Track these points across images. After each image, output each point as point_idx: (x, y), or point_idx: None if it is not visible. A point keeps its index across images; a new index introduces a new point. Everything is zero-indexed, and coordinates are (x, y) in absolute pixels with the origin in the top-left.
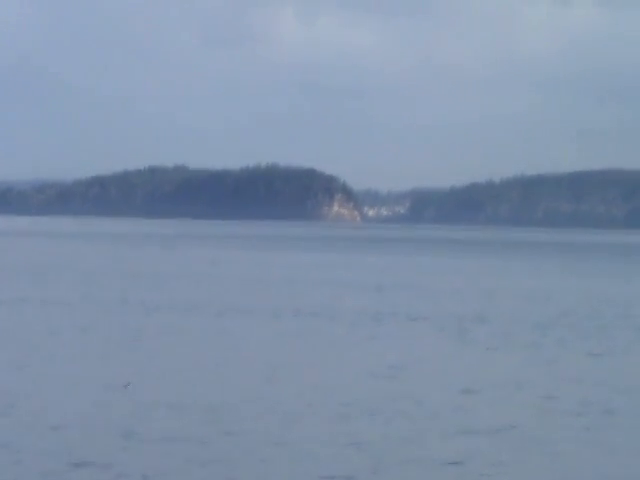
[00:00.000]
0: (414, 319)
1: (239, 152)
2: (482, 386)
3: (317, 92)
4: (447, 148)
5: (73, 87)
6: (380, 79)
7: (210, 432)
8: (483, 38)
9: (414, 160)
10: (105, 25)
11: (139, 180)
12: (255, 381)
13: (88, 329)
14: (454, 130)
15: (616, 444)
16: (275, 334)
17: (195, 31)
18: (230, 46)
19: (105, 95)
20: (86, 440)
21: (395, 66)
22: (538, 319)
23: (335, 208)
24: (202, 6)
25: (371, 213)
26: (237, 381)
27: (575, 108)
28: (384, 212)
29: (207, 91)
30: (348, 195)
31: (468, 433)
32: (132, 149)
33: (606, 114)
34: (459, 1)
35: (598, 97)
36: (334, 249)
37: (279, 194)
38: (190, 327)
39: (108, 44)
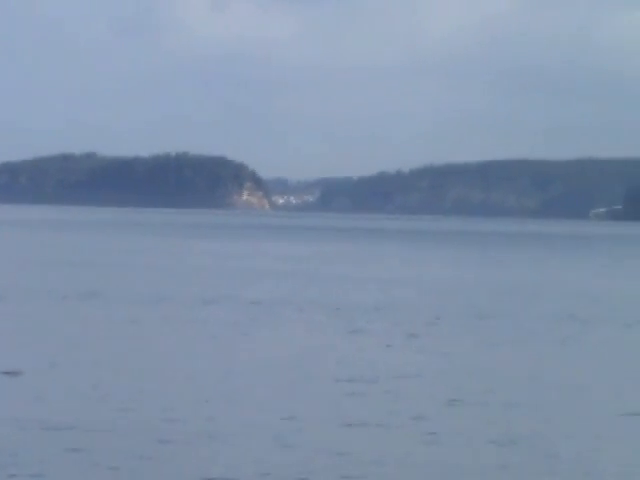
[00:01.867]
0: (314, 308)
1: (150, 140)
2: (376, 377)
3: (227, 81)
4: (356, 138)
5: None
6: (290, 69)
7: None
8: (395, 28)
9: (323, 150)
10: (11, 15)
11: (50, 167)
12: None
13: None
14: (363, 120)
15: (518, 435)
16: (180, 322)
17: (105, 20)
18: (140, 35)
19: (13, 83)
20: None
21: (306, 56)
22: (437, 310)
23: (244, 196)
24: None
25: (280, 202)
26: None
27: (484, 98)
28: (293, 201)
29: (119, 80)
30: (257, 183)
31: (354, 425)
32: (43, 137)
33: (515, 104)
34: None
35: (507, 87)
36: (241, 237)
37: (189, 182)
38: (94, 316)
39: (15, 33)
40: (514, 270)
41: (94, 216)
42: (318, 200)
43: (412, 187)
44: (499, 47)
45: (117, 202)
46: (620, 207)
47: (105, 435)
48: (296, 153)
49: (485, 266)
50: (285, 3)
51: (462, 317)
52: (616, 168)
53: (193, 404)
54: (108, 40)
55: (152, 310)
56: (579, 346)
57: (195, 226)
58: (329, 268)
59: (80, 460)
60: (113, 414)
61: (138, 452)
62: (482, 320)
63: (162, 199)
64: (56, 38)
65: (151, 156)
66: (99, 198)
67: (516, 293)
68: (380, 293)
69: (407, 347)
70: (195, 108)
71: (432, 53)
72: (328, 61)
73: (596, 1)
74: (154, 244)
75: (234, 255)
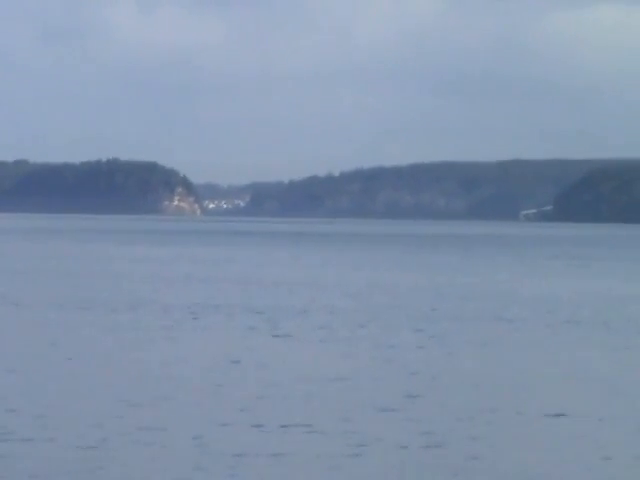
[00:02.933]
0: (237, 311)
1: (81, 147)
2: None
3: (157, 86)
4: (287, 142)
5: None
6: (220, 74)
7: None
8: (324, 33)
9: (254, 154)
10: None
11: None
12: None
13: None
14: (293, 124)
15: (441, 437)
16: (104, 328)
17: (32, 27)
18: (67, 41)
19: None
20: None
21: (236, 61)
22: (366, 313)
23: (175, 202)
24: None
25: (211, 206)
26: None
27: (413, 102)
28: (224, 205)
29: (49, 86)
30: (188, 189)
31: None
32: None
33: (443, 107)
34: None
35: (435, 90)
36: (169, 242)
37: (120, 188)
38: (17, 321)
39: None
40: (443, 272)
41: (24, 223)
42: (249, 204)
43: (343, 191)
44: (428, 52)
45: (48, 208)
46: (550, 208)
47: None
48: (227, 158)
49: (414, 268)
50: (212, 7)
51: (389, 320)
52: (546, 169)
53: (114, 409)
54: (36, 47)
55: (69, 315)
56: (502, 347)
57: (125, 232)
58: (255, 272)
59: None
60: (32, 421)
61: (57, 457)
62: (409, 322)
63: (93, 205)
64: None
65: (82, 162)
66: (30, 205)
67: (444, 295)
68: (307, 297)
69: (331, 350)
70: (125, 114)
71: (361, 58)
72: (258, 66)
73: (524, 6)
74: (79, 250)
75: (160, 260)
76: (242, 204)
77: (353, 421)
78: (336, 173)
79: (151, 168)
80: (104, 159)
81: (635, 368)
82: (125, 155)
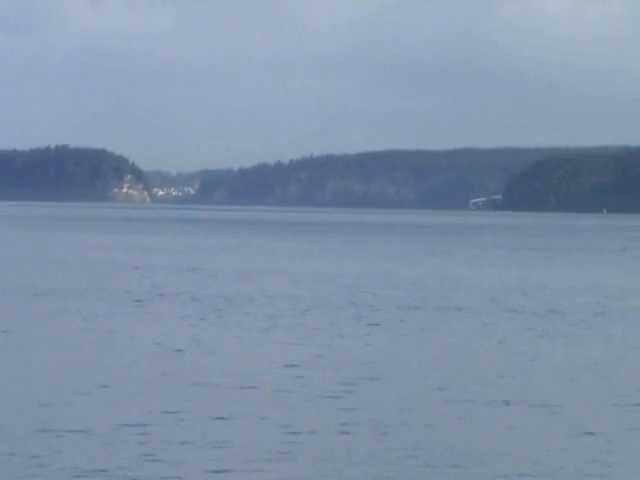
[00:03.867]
0: (178, 299)
1: (29, 134)
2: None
3: (107, 74)
4: (237, 130)
5: None
6: (169, 62)
7: None
8: (275, 21)
9: (204, 142)
10: None
11: None
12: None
13: None
14: (243, 112)
15: (368, 416)
16: (47, 315)
17: None
18: (23, 31)
19: None
20: None
21: (185, 49)
22: (308, 301)
23: (125, 189)
24: None
25: (161, 194)
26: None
27: (363, 90)
28: (174, 193)
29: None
30: (138, 176)
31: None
32: None
33: (393, 96)
34: None
35: (385, 79)
36: (116, 230)
37: (69, 175)
38: None
39: None
40: (390, 260)
41: None
42: (198, 192)
43: (292, 179)
44: (380, 40)
45: None
46: (499, 197)
47: None
48: (176, 145)
49: (361, 257)
50: None
51: (335, 308)
52: (495, 158)
53: (55, 397)
54: None
55: (12, 302)
56: (448, 335)
57: (72, 219)
58: (202, 260)
59: None
60: None
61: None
62: (355, 311)
63: (42, 192)
64: None
65: (31, 149)
66: None
67: (390, 283)
68: (253, 285)
69: (275, 339)
70: (75, 101)
71: (313, 46)
72: (208, 53)
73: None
74: (25, 237)
75: (106, 248)
76: (191, 192)
77: (296, 409)
78: (285, 161)
79: (100, 155)
80: (53, 146)
81: (579, 355)
82: (74, 142)
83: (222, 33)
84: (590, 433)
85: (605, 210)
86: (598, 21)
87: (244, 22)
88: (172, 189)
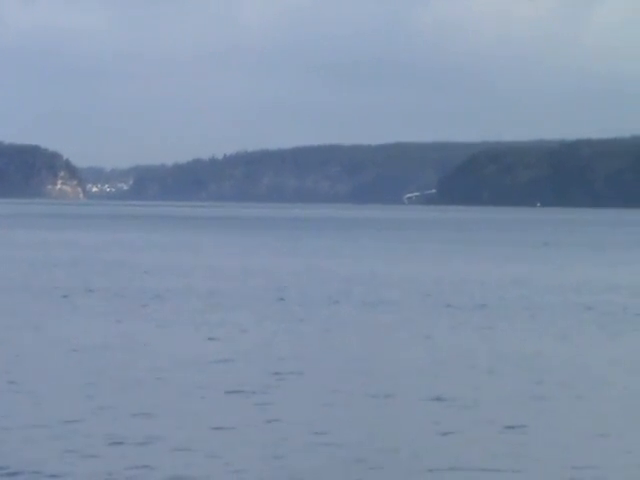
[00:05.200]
0: (112, 296)
1: None
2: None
3: (40, 71)
4: (170, 125)
5: None
6: (102, 58)
7: None
8: (208, 15)
9: (138, 137)
10: None
11: None
12: None
13: None
14: (177, 107)
15: (293, 413)
16: None
17: None
18: None
19: None
20: None
21: (118, 45)
22: (235, 297)
23: (58, 185)
24: None
25: (94, 190)
26: None
27: (297, 85)
28: (107, 189)
29: None
30: (72, 172)
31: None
32: None
33: (326, 90)
34: None
35: (319, 74)
36: (49, 227)
37: (2, 172)
38: None
39: None
40: (322, 256)
41: None
42: (132, 188)
43: (226, 174)
44: (313, 35)
45: None
46: (434, 191)
47: None
48: (110, 141)
49: (293, 252)
50: None
51: (262, 303)
52: (429, 153)
53: None
54: None
55: None
56: (377, 330)
57: (4, 216)
58: (132, 256)
59: None
60: None
61: None
62: (283, 306)
63: None
64: None
65: None
66: None
67: (321, 278)
68: (182, 281)
69: (201, 335)
70: (8, 98)
71: (247, 39)
72: (140, 49)
73: None
74: None
75: (37, 244)
76: (125, 187)
77: (221, 405)
78: (220, 156)
79: (34, 151)
80: None
81: (511, 352)
82: (8, 139)
83: (155, 28)
84: (510, 427)
85: (539, 204)
86: (528, 16)
87: (177, 17)
88: (106, 185)
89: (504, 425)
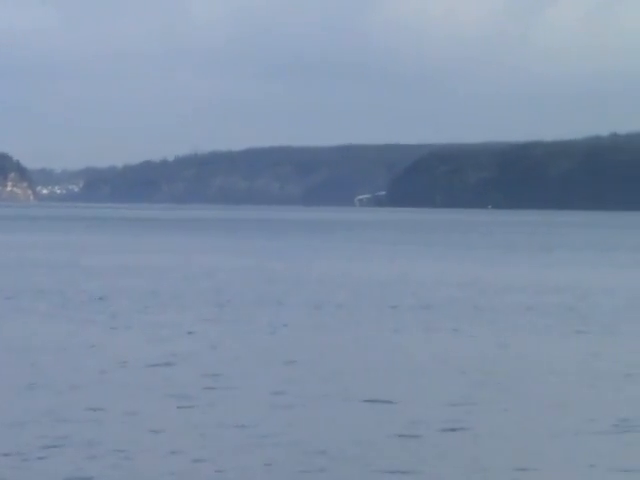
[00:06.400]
0: (45, 297)
1: None
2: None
3: None
4: (121, 126)
5: None
6: (52, 58)
7: None
8: (159, 16)
9: (88, 139)
10: None
11: None
12: None
13: None
14: (128, 108)
15: (234, 415)
16: None
17: None
18: None
19: None
20: None
21: (68, 45)
22: (184, 297)
23: (8, 187)
24: None
25: (45, 192)
26: None
27: (248, 86)
28: (58, 191)
29: None
30: (22, 174)
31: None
32: None
33: (278, 92)
34: None
35: (270, 75)
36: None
37: None
38: None
39: None
40: (270, 257)
41: None
42: (83, 190)
43: (177, 176)
44: (265, 36)
45: None
46: (384, 193)
47: None
48: (61, 143)
49: (241, 253)
50: None
51: (204, 304)
52: (380, 154)
53: None
54: None
55: None
56: (322, 331)
57: None
58: (78, 258)
59: None
60: None
61: None
62: (230, 308)
63: None
64: None
65: None
66: None
67: (269, 279)
68: (129, 282)
69: (146, 336)
70: None
71: (196, 40)
72: (91, 48)
73: None
74: None
75: None
76: (76, 189)
77: (160, 406)
78: (171, 158)
79: None
80: None
81: (453, 353)
82: None
83: (106, 27)
84: (451, 429)
85: (490, 206)
86: (478, 17)
87: (128, 16)
88: (56, 187)
89: (444, 427)
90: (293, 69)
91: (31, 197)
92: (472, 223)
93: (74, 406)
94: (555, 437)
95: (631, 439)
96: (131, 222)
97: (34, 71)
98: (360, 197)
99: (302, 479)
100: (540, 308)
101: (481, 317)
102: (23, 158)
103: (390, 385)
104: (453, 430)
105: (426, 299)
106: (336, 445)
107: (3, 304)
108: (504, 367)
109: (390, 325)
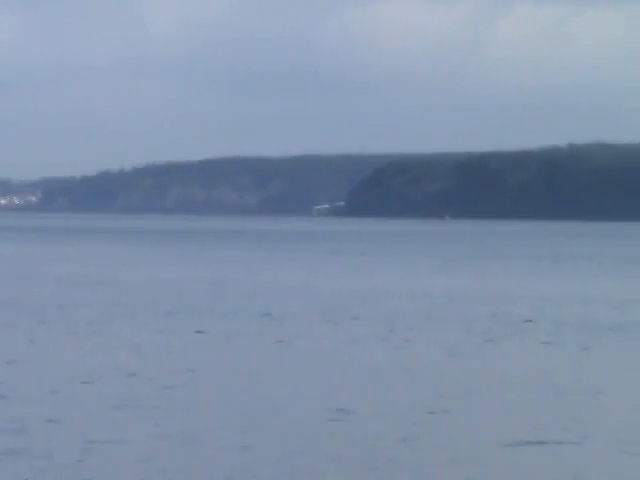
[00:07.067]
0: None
1: None
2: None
3: None
4: (78, 137)
5: None
6: (10, 70)
7: None
8: (115, 27)
9: (46, 149)
10: None
11: None
12: None
13: None
14: (85, 119)
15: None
16: None
17: None
18: None
19: None
20: None
21: (24, 57)
22: (138, 307)
23: None
24: None
25: (2, 202)
26: None
27: (205, 97)
28: (16, 201)
29: None
30: None
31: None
32: None
33: (235, 103)
34: None
35: (227, 86)
36: None
37: None
38: None
39: None
40: (226, 267)
41: None
42: (41, 200)
43: (135, 186)
44: (221, 46)
45: None
46: (342, 203)
47: None
48: (18, 153)
49: (197, 264)
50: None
51: (154, 314)
52: (338, 164)
53: None
54: None
55: None
56: (272, 342)
57: None
58: (33, 267)
59: None
60: None
61: None
62: (180, 318)
63: None
64: None
65: None
66: None
67: (222, 291)
68: (78, 291)
69: (89, 346)
70: None
71: (152, 52)
72: (49, 60)
73: (312, 6)
74: None
75: None
76: (34, 199)
77: (97, 418)
78: (128, 168)
79: None
80: None
81: (409, 363)
82: None
83: (64, 39)
84: (404, 439)
85: (448, 216)
86: (435, 29)
87: (86, 28)
88: (14, 197)
89: (396, 438)
90: (250, 79)
91: None
92: (429, 233)
93: (27, 418)
94: (504, 447)
95: (574, 449)
96: (88, 232)
97: None
98: (318, 207)
99: None
100: (500, 317)
101: (433, 327)
102: None
103: (342, 396)
104: (404, 441)
105: (379, 310)
106: (289, 456)
107: None
108: (456, 376)
109: (346, 335)
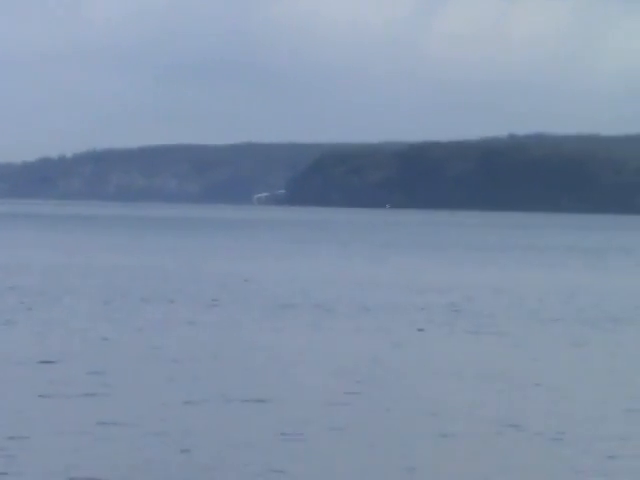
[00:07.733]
0: None
1: None
2: None
3: None
4: (17, 123)
5: None
6: None
7: None
8: (55, 15)
9: None
10: None
11: None
12: None
13: None
14: (24, 105)
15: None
16: None
17: None
18: None
19: None
20: None
21: None
22: (74, 294)
23: None
24: None
25: None
26: None
27: (145, 84)
28: None
29: None
30: None
31: None
32: None
33: (175, 90)
34: None
35: (168, 74)
36: None
37: None
38: None
39: None
40: (164, 255)
41: None
42: None
43: (75, 172)
44: (162, 34)
45: None
46: (283, 192)
47: None
48: None
49: (134, 251)
50: None
51: (94, 301)
52: (278, 153)
53: None
54: None
55: None
56: (210, 330)
57: None
58: None
59: None
60: None
61: None
62: (109, 304)
63: None
64: None
65: None
66: None
67: (163, 278)
68: (16, 279)
69: (22, 332)
70: None
71: (92, 38)
72: None
73: None
74: None
75: None
76: None
77: (52, 407)
78: (68, 154)
79: None
80: None
81: (336, 352)
82: None
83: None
84: (332, 428)
85: (388, 206)
86: (381, 23)
87: (21, 15)
88: None
89: (326, 427)
90: (192, 68)
91: None
92: (368, 222)
93: None
94: (436, 438)
95: (516, 439)
96: (26, 218)
97: None
98: (259, 195)
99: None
100: (429, 308)
101: (368, 316)
102: None
103: (271, 385)
104: (336, 429)
105: (315, 298)
106: (218, 445)
107: None
108: (391, 366)
109: (276, 324)
